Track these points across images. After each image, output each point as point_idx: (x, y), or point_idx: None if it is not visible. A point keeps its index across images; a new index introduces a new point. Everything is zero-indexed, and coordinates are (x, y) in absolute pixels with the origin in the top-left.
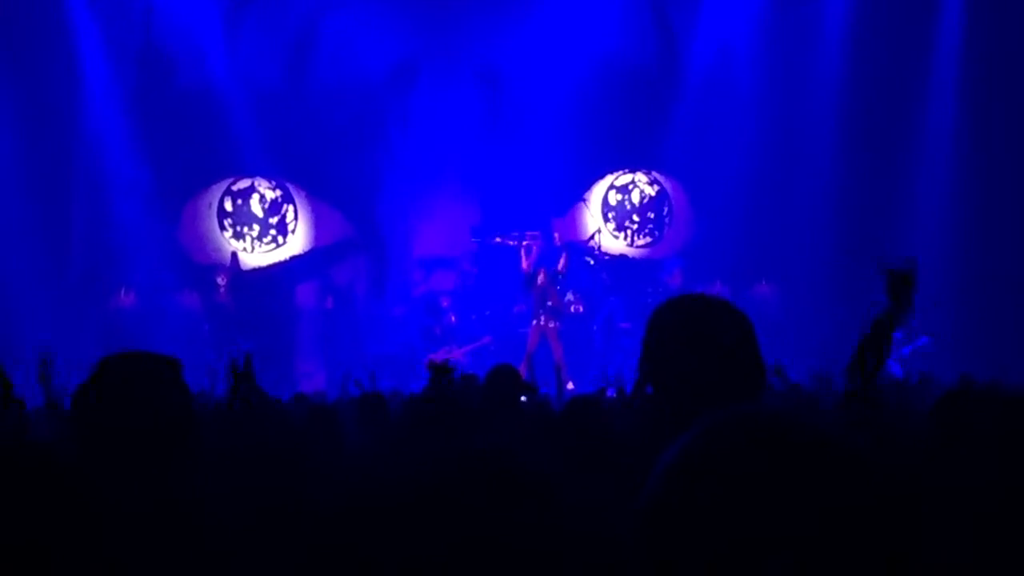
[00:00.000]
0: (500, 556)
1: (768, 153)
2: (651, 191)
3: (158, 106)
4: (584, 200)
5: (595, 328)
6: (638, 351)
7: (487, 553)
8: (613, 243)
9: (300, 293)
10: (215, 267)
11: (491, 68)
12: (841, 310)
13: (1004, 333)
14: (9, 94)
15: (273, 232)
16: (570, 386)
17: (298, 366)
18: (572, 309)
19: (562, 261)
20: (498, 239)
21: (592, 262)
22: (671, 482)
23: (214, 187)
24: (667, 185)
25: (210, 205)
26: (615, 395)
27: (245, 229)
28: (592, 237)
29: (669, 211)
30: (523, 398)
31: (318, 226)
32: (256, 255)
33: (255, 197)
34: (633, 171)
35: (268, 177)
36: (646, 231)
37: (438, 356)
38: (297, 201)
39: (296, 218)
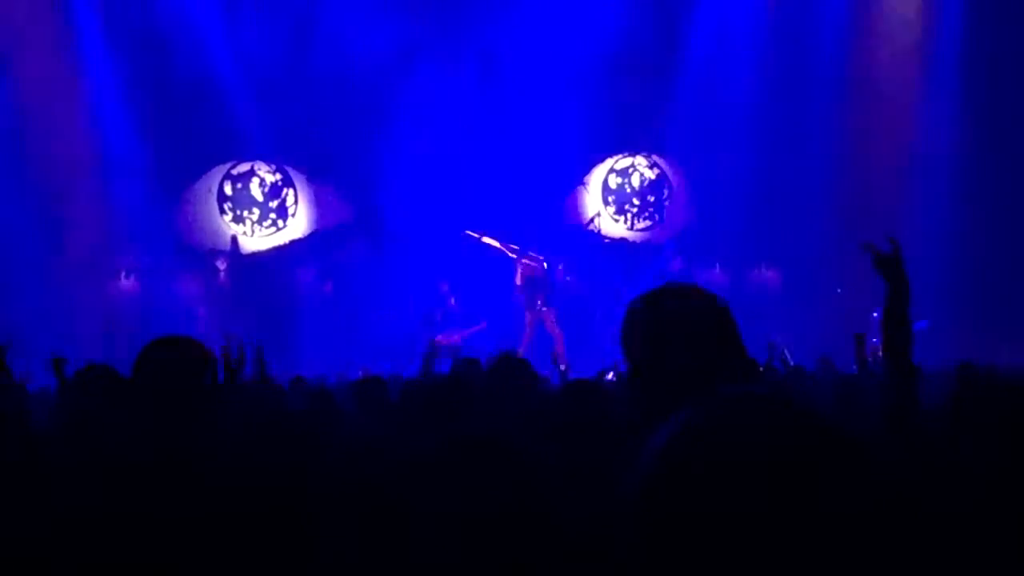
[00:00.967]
0: (493, 535)
1: (768, 136)
2: (651, 175)
3: (157, 90)
4: (584, 184)
5: (595, 313)
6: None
7: (480, 532)
8: (613, 227)
9: (300, 277)
10: (215, 251)
11: (491, 51)
12: (842, 293)
13: (996, 318)
14: (9, 77)
15: (273, 216)
16: (563, 367)
17: (297, 350)
18: (566, 279)
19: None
20: (498, 244)
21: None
22: (654, 468)
23: (214, 171)
24: (667, 169)
25: (210, 189)
26: (614, 380)
27: (245, 213)
28: (592, 221)
29: (669, 194)
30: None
31: (318, 210)
32: (256, 239)
33: (255, 181)
34: (633, 154)
35: (268, 161)
36: (646, 215)
37: (442, 338)
38: (297, 185)
39: (296, 202)
